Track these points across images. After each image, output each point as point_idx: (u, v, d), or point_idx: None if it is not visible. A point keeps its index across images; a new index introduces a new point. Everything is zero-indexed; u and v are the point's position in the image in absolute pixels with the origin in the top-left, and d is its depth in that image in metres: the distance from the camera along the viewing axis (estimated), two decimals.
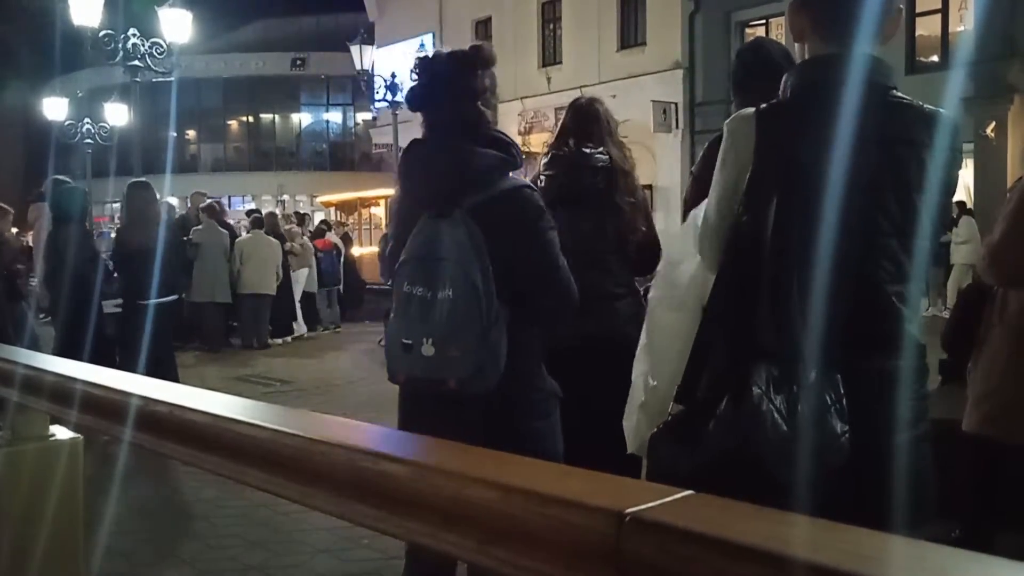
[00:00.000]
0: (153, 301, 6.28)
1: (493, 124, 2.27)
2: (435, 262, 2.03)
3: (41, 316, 7.29)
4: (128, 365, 6.14)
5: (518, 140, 3.57)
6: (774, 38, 10.96)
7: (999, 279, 2.72)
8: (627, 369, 2.35)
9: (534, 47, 21.31)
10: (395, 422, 2.31)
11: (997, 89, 13.47)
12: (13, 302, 6.40)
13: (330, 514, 1.15)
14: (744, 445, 1.62)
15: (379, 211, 25.74)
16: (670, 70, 18.30)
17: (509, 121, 18.72)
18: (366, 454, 1.07)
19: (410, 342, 2.03)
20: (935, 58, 15.03)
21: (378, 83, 16.50)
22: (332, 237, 13.84)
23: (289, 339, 11.56)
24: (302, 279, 11.97)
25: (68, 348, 5.58)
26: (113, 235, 11.41)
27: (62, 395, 1.82)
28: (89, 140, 18.46)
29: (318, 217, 19.17)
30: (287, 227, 12.45)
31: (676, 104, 18.14)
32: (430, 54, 2.25)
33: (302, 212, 16.32)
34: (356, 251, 16.86)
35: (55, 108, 19.53)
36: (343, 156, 36.07)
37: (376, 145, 26.58)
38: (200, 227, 10.49)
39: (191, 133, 36.68)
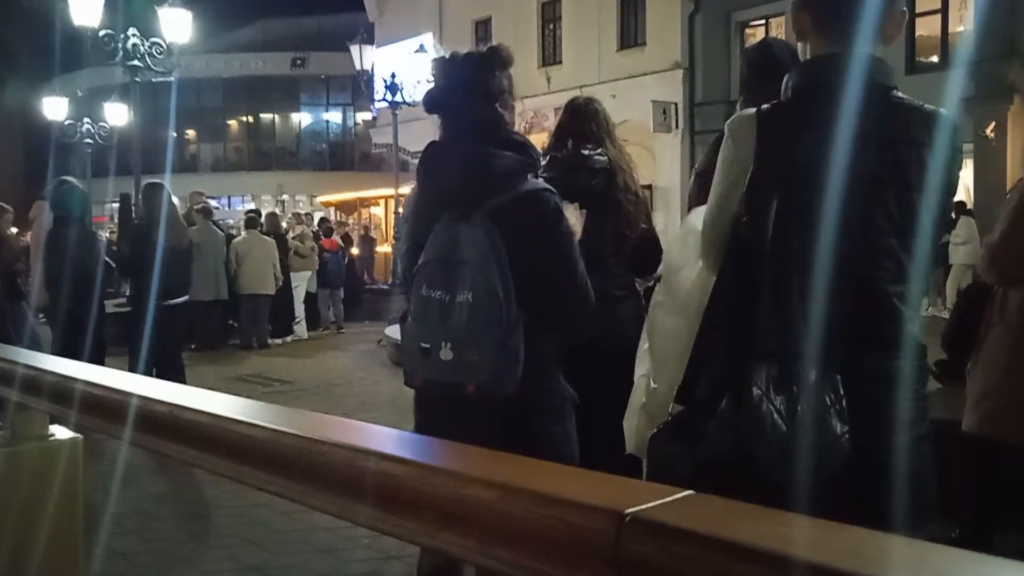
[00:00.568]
0: (176, 301, 6.60)
1: (511, 125, 2.24)
2: (454, 265, 2.00)
3: (40, 316, 7.29)
4: (159, 367, 6.27)
5: None
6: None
7: (999, 279, 2.72)
8: (628, 370, 2.35)
9: (534, 47, 21.28)
10: (395, 422, 2.31)
11: (997, 89, 13.46)
12: (13, 302, 6.39)
13: (330, 514, 1.15)
14: (744, 445, 1.62)
15: (379, 211, 25.77)
16: (670, 70, 18.30)
17: None
18: (366, 454, 1.06)
19: (428, 346, 2.01)
20: (935, 58, 15.03)
21: (378, 83, 16.47)
22: (335, 237, 13.86)
23: (289, 339, 11.57)
24: (304, 281, 11.96)
25: (67, 348, 5.57)
26: (108, 235, 11.44)
27: (62, 395, 1.81)
28: (89, 140, 18.40)
29: (317, 216, 19.14)
30: (299, 230, 12.44)
31: (676, 104, 18.14)
32: (446, 55, 2.23)
33: (302, 212, 16.31)
34: (355, 251, 16.87)
35: (55, 108, 19.46)
36: (343, 156, 36.06)
37: (376, 145, 26.54)
38: (196, 227, 10.49)
39: (191, 133, 36.69)
